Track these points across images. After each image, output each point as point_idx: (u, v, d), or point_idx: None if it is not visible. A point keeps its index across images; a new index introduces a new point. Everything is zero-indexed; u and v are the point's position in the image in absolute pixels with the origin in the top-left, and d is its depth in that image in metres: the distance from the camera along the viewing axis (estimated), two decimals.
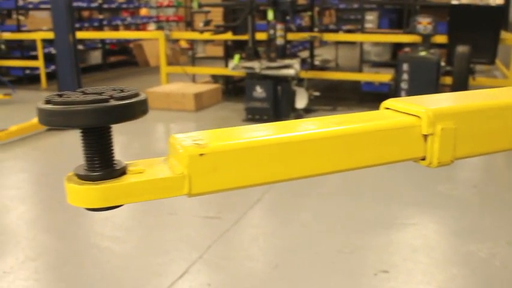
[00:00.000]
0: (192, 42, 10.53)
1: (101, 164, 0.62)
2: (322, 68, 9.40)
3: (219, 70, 8.19)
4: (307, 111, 6.61)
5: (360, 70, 7.75)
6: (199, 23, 8.46)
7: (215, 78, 8.31)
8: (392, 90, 6.75)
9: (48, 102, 0.60)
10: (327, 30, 10.00)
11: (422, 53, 6.23)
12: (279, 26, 6.47)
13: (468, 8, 6.74)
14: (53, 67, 8.82)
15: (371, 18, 7.93)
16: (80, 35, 8.12)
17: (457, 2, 6.98)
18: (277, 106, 6.24)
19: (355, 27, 10.30)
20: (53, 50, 8.59)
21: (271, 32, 6.50)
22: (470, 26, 6.39)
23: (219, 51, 10.96)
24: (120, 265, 3.00)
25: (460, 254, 3.06)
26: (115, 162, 0.63)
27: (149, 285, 2.77)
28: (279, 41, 6.49)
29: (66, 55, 6.29)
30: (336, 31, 9.85)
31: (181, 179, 0.61)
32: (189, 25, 10.71)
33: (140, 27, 13.50)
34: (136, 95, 0.62)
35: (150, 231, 3.44)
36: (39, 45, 8.89)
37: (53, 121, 0.59)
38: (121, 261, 3.05)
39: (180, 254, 3.07)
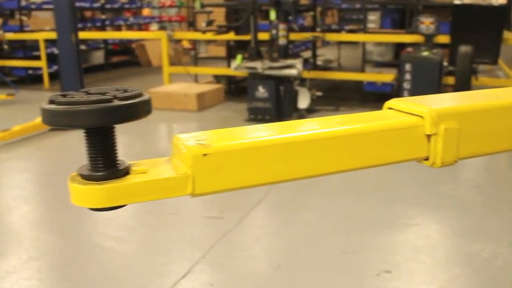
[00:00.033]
0: (194, 43, 10.54)
1: (105, 164, 0.62)
2: (325, 68, 9.39)
3: (222, 70, 8.19)
4: (310, 111, 6.60)
5: (362, 70, 7.75)
6: (201, 23, 8.47)
7: (217, 78, 8.31)
8: (394, 90, 6.75)
9: (52, 102, 0.60)
10: (329, 30, 10.00)
11: (425, 53, 6.22)
12: (282, 26, 6.46)
13: (471, 8, 6.73)
14: (55, 67, 8.83)
15: (373, 18, 7.93)
16: (82, 35, 8.13)
17: (460, 2, 6.98)
18: (280, 106, 6.23)
19: (357, 27, 10.29)
20: (55, 50, 8.59)
21: (274, 32, 6.50)
22: (473, 26, 6.38)
23: (221, 51, 10.96)
24: (122, 265, 3.01)
25: (462, 254, 3.06)
26: (118, 162, 0.63)
27: (152, 285, 2.77)
28: (281, 41, 6.49)
29: (68, 55, 6.30)
30: (338, 31, 9.83)
31: (184, 179, 0.61)
32: (192, 25, 10.71)
33: (142, 27, 13.51)
34: (139, 95, 0.62)
35: (153, 231, 3.45)
36: (41, 45, 8.90)
37: (57, 121, 0.59)
38: (124, 261, 3.05)
39: (183, 254, 3.07)
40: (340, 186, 4.09)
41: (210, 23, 7.24)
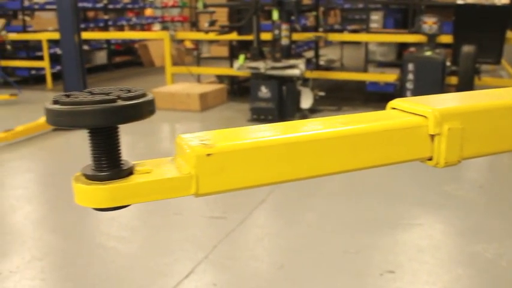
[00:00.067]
0: (197, 43, 10.54)
1: (109, 164, 0.62)
2: (327, 68, 9.39)
3: (224, 70, 8.19)
4: (312, 112, 6.60)
5: (365, 70, 7.74)
6: (204, 23, 8.47)
7: (220, 78, 8.31)
8: (397, 90, 6.75)
9: (56, 102, 0.60)
10: (332, 30, 9.97)
11: (428, 53, 6.22)
12: (284, 26, 6.46)
13: (474, 8, 6.72)
14: (58, 67, 8.85)
15: (376, 18, 7.92)
16: (85, 35, 8.15)
17: (463, 2, 6.97)
18: (282, 106, 6.23)
19: (360, 27, 10.26)
20: (58, 51, 8.63)
21: (276, 32, 6.50)
22: (476, 26, 6.37)
23: (224, 51, 10.97)
24: (125, 265, 3.01)
25: (465, 254, 3.05)
26: (122, 162, 0.63)
27: (155, 285, 2.78)
28: (284, 41, 6.49)
29: (71, 55, 6.31)
30: (341, 31, 9.81)
31: (188, 179, 0.61)
32: (194, 25, 10.71)
33: (145, 27, 13.52)
34: (143, 95, 0.62)
35: (156, 231, 3.45)
36: (44, 45, 8.92)
37: (61, 121, 0.59)
38: (127, 261, 3.05)
39: (186, 254, 3.07)
40: (343, 186, 4.09)
41: (212, 23, 7.24)
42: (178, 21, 14.33)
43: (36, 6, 10.06)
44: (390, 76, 7.05)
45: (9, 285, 2.77)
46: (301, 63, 6.26)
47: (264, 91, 6.18)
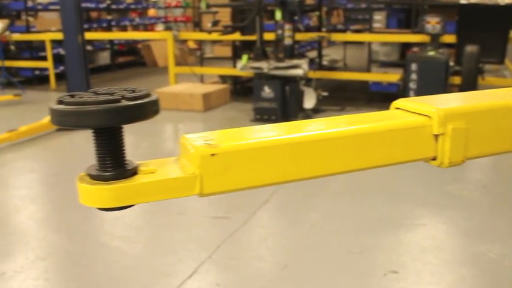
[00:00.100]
0: (200, 43, 10.55)
1: (113, 164, 0.62)
2: (330, 68, 9.38)
3: (227, 70, 8.20)
4: (316, 112, 6.60)
5: (368, 70, 7.73)
6: (207, 23, 8.48)
7: (223, 78, 8.31)
8: (400, 90, 6.73)
9: (60, 102, 0.60)
10: (335, 30, 9.98)
11: (431, 53, 6.21)
12: (287, 26, 6.46)
13: (477, 8, 6.70)
14: (62, 68, 8.87)
15: (379, 18, 7.92)
16: (88, 35, 8.16)
17: (466, 1, 6.95)
18: (286, 106, 6.23)
19: (363, 27, 10.27)
20: (62, 51, 8.63)
21: (279, 32, 6.51)
22: (479, 26, 6.36)
23: (227, 51, 10.97)
24: (129, 265, 3.01)
25: (469, 254, 3.05)
26: (127, 162, 0.63)
27: (158, 285, 2.78)
28: (287, 41, 6.49)
29: (75, 56, 6.32)
30: (344, 31, 9.81)
31: (192, 179, 0.61)
32: (197, 25, 10.72)
33: (148, 27, 13.54)
34: (148, 95, 0.63)
35: (159, 231, 3.45)
36: (48, 46, 8.94)
37: (66, 121, 0.59)
38: (130, 261, 3.06)
39: (189, 253, 3.08)
40: (347, 187, 4.08)
41: (215, 23, 7.25)
42: (181, 22, 14.32)
43: (39, 7, 10.09)
44: (393, 76, 7.04)
45: (14, 285, 2.77)
46: (304, 63, 6.26)
47: (267, 91, 6.18)
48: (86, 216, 3.59)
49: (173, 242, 3.28)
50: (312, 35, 7.66)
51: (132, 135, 5.45)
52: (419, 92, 6.08)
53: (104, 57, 11.21)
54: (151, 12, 14.31)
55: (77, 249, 3.24)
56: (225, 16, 9.02)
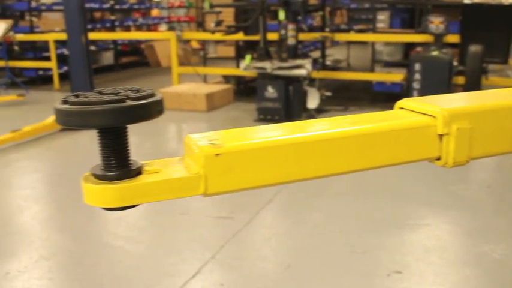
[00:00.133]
0: (203, 43, 10.55)
1: (117, 164, 0.62)
2: (334, 68, 9.37)
3: (231, 70, 8.20)
4: (319, 112, 6.59)
5: (371, 70, 7.73)
6: (210, 23, 8.49)
7: (227, 78, 8.31)
8: (404, 90, 6.73)
9: (65, 102, 0.60)
10: (338, 30, 9.96)
11: (435, 53, 6.20)
12: (290, 26, 6.46)
13: (481, 7, 6.69)
14: (65, 68, 8.89)
15: (383, 17, 7.91)
16: (92, 36, 8.18)
17: (470, 1, 6.94)
18: (289, 106, 6.23)
19: (366, 27, 10.25)
20: (65, 51, 8.66)
21: (283, 32, 6.50)
22: (483, 25, 6.34)
23: (230, 51, 10.98)
24: (132, 265, 3.02)
25: (473, 254, 3.04)
26: (131, 162, 0.63)
27: (162, 285, 2.78)
28: (291, 41, 6.49)
29: (78, 56, 6.34)
30: (347, 31, 9.80)
31: (197, 179, 0.61)
32: (201, 25, 10.74)
33: (152, 27, 13.55)
34: (152, 95, 0.63)
35: (162, 231, 3.46)
36: (51, 46, 8.96)
37: (71, 121, 0.59)
38: (134, 261, 3.06)
39: (193, 253, 3.08)
40: (351, 187, 4.08)
41: (219, 23, 7.25)
42: (184, 22, 14.35)
43: (43, 7, 10.11)
44: (397, 76, 7.03)
45: (17, 285, 2.78)
46: (307, 63, 6.26)
47: (271, 91, 6.18)
48: (90, 216, 3.59)
49: (176, 242, 3.28)
50: (315, 35, 7.66)
51: (136, 135, 5.45)
52: (423, 92, 6.07)
53: (108, 58, 11.23)
54: (155, 12, 14.33)
55: (81, 249, 3.24)
56: (228, 16, 9.03)
